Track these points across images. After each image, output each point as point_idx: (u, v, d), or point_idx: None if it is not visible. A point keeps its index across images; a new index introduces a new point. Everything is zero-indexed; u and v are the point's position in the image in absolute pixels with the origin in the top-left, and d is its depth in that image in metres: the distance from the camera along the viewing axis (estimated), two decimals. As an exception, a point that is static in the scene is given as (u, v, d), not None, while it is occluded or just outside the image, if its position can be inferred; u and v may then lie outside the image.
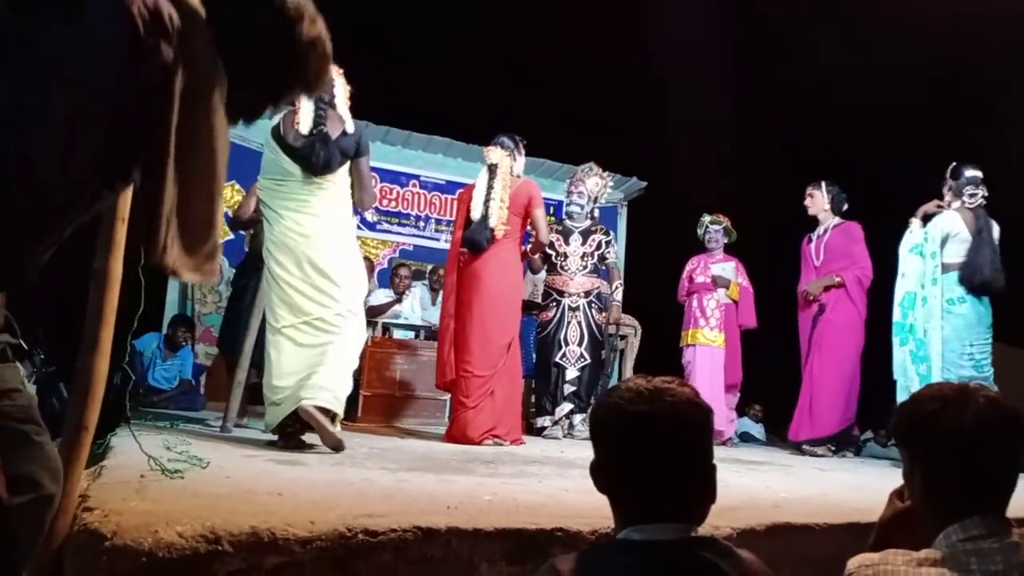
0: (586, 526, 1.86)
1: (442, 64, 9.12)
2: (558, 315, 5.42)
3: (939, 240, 4.60)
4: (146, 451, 2.34)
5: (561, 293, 5.46)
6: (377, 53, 8.26)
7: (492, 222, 4.39)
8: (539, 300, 6.21)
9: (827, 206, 5.60)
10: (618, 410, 1.18)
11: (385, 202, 7.98)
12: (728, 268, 6.24)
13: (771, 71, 9.23)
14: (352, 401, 5.55)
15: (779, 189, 6.38)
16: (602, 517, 1.91)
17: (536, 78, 9.03)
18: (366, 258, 7.32)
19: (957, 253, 4.58)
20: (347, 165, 3.49)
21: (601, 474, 1.23)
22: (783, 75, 9.22)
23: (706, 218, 6.23)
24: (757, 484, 3.18)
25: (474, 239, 4.40)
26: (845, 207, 5.66)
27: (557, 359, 5.34)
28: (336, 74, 3.53)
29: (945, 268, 4.58)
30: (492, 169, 4.54)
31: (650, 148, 9.44)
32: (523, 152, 4.79)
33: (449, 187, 8.25)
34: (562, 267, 5.51)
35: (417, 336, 5.95)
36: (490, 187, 4.47)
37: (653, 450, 1.16)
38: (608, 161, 5.77)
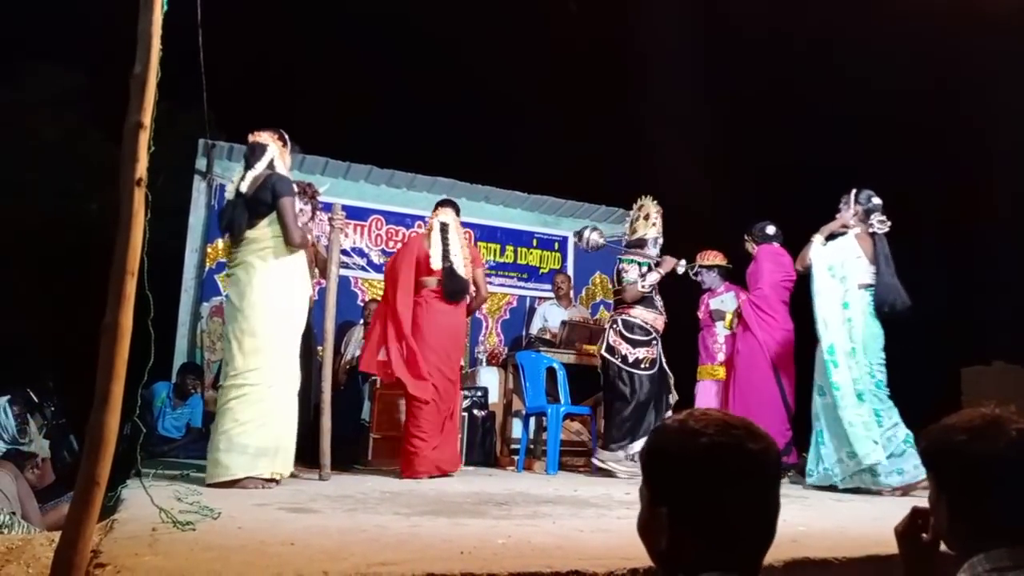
0: (602, 568, 1.83)
1: (443, 107, 9.24)
2: (658, 354, 5.34)
3: (848, 264, 4.66)
4: (157, 503, 2.33)
5: (657, 332, 5.35)
6: (384, 101, 8.38)
7: (465, 274, 4.77)
8: (550, 335, 6.21)
9: (754, 247, 5.75)
10: (738, 448, 1.05)
11: (391, 244, 8.02)
12: (727, 299, 6.19)
13: (773, 95, 9.32)
14: (362, 444, 5.54)
15: (787, 209, 6.25)
16: (619, 558, 1.89)
17: (543, 118, 9.12)
18: (373, 300, 7.36)
19: (867, 272, 4.64)
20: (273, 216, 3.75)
21: (676, 521, 1.06)
22: (785, 98, 9.30)
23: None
24: (774, 518, 3.14)
25: (457, 289, 4.75)
26: (769, 230, 5.72)
27: (669, 400, 5.31)
28: (270, 139, 3.84)
29: (860, 287, 4.65)
30: (444, 227, 4.84)
31: (658, 180, 9.51)
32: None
33: (454, 227, 8.28)
34: (654, 303, 5.37)
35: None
36: (446, 242, 4.77)
37: (766, 492, 1.08)
38: (616, 196, 5.79)
